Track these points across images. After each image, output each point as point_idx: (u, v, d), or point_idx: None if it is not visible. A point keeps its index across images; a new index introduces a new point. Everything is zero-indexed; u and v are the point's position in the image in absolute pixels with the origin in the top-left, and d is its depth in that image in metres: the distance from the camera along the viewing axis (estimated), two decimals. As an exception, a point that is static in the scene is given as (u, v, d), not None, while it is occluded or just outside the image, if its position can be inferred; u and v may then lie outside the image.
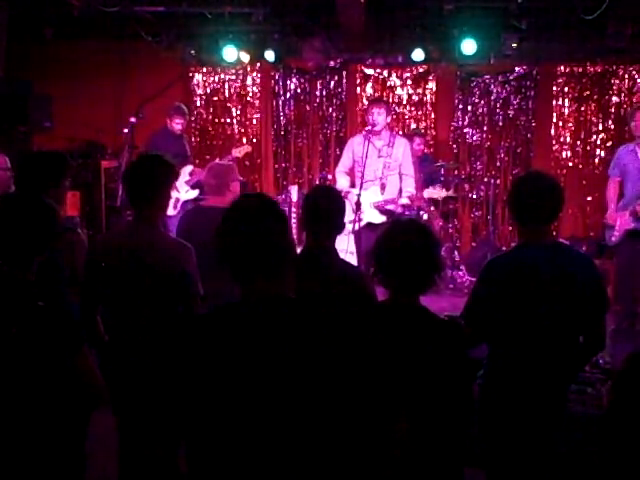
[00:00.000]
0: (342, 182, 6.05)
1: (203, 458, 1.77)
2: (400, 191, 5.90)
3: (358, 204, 5.53)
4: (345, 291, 2.82)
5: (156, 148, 6.39)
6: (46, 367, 2.27)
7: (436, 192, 6.61)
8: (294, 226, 7.34)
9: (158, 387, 1.84)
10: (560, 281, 2.73)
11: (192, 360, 1.75)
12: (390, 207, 5.81)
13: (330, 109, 8.76)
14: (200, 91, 8.81)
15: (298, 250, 2.79)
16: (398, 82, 8.64)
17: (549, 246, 2.81)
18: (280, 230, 1.81)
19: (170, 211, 6.39)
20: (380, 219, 5.78)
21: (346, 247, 6.53)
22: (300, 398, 1.71)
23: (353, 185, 6.00)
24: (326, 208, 2.98)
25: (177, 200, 6.88)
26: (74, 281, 3.06)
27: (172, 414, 1.81)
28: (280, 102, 8.78)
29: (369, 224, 5.75)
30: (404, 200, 5.84)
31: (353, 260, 5.94)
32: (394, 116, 8.40)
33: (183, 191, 6.99)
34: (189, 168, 7.11)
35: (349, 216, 6.05)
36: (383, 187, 5.86)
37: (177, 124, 7.05)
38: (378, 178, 5.84)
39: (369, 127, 5.81)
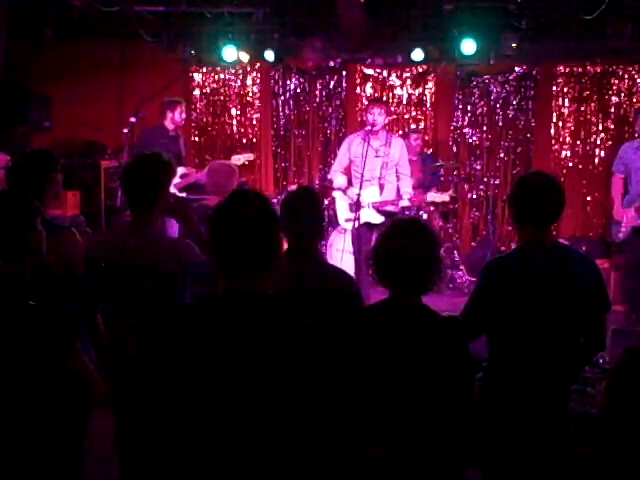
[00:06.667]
0: (339, 180, 6.04)
1: (179, 456, 1.77)
2: (398, 190, 5.91)
3: (358, 203, 5.53)
4: (331, 292, 2.77)
5: (149, 145, 6.26)
6: (37, 366, 2.27)
7: (439, 196, 6.61)
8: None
9: (139, 380, 1.86)
10: (561, 282, 2.72)
11: (168, 352, 1.77)
12: (389, 208, 5.81)
13: (330, 109, 8.74)
14: (200, 91, 8.80)
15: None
16: (398, 82, 8.63)
17: (550, 248, 2.80)
18: (268, 228, 1.83)
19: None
20: (379, 219, 5.78)
21: (344, 246, 6.54)
22: (276, 396, 1.71)
23: (350, 184, 6.02)
24: (307, 210, 2.88)
25: None
26: (70, 280, 3.05)
27: (151, 408, 1.81)
28: (280, 102, 8.77)
29: (367, 223, 5.76)
30: (405, 202, 5.85)
31: (350, 259, 5.95)
32: (394, 116, 8.40)
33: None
34: (181, 170, 6.97)
35: (347, 215, 6.08)
36: (382, 187, 5.86)
37: (182, 116, 6.75)
38: (376, 178, 5.84)
39: (369, 127, 5.80)
